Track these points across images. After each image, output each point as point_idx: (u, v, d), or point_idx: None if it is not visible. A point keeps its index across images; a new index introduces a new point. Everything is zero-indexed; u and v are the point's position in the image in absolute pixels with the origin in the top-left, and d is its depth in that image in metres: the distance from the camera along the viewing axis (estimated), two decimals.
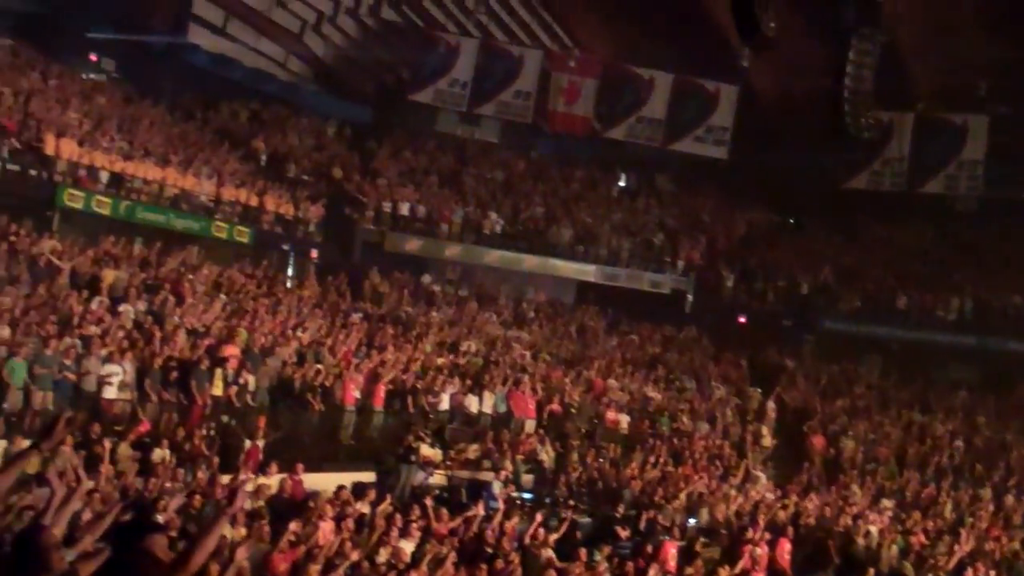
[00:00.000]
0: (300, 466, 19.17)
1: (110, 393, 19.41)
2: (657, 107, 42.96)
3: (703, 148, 43.15)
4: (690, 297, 40.85)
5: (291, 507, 17.65)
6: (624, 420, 29.02)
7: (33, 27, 34.86)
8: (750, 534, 20.08)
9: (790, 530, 21.21)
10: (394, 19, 43.30)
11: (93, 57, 37.73)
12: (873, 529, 22.01)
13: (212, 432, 19.83)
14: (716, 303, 40.05)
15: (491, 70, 43.33)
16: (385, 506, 17.81)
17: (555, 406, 27.82)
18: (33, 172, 26.48)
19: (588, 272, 40.06)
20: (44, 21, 35.27)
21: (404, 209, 38.63)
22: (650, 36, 40.66)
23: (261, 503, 16.78)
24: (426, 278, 36.83)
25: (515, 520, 18.77)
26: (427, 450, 22.92)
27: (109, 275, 23.84)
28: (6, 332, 18.84)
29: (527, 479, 24.02)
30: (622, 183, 47.00)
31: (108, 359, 19.60)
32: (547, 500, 22.90)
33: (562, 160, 46.55)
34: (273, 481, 18.32)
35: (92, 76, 36.66)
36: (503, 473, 22.63)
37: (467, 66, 43.52)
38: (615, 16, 41.11)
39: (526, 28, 44.48)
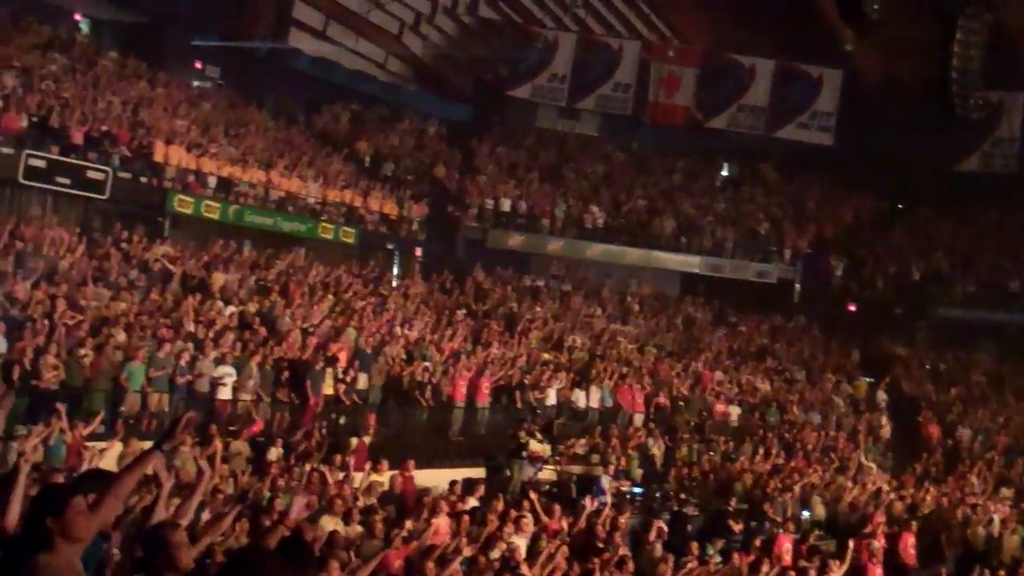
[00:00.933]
0: (411, 463, 19.26)
1: (224, 394, 19.76)
2: (759, 94, 42.36)
3: (807, 135, 42.44)
4: (798, 286, 40.14)
5: (403, 503, 17.77)
6: (734, 412, 28.66)
7: (140, 38, 35.73)
8: (868, 527, 19.63)
9: (912, 524, 20.66)
10: (492, 16, 43.36)
11: (198, 65, 38.52)
12: (996, 519, 21.37)
13: (323, 430, 20.07)
14: (825, 292, 39.29)
15: (589, 63, 43.14)
16: (497, 502, 17.80)
17: (663, 399, 27.59)
18: (144, 179, 27.08)
19: (692, 263, 39.63)
20: (150, 31, 36.12)
21: (506, 205, 38.68)
22: (749, 22, 40.00)
23: (373, 500, 16.89)
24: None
25: (626, 515, 18.61)
26: (536, 445, 22.87)
27: (219, 278, 24.29)
28: (122, 336, 19.28)
29: (636, 473, 23.83)
30: (725, 172, 46.38)
31: (221, 360, 19.95)
32: (657, 494, 22.71)
33: (663, 151, 46.14)
34: (384, 478, 18.45)
35: (198, 83, 37.43)
36: (612, 468, 22.50)
37: (565, 60, 43.40)
38: (713, 3, 40.59)
39: (624, 20, 44.16)
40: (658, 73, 43.09)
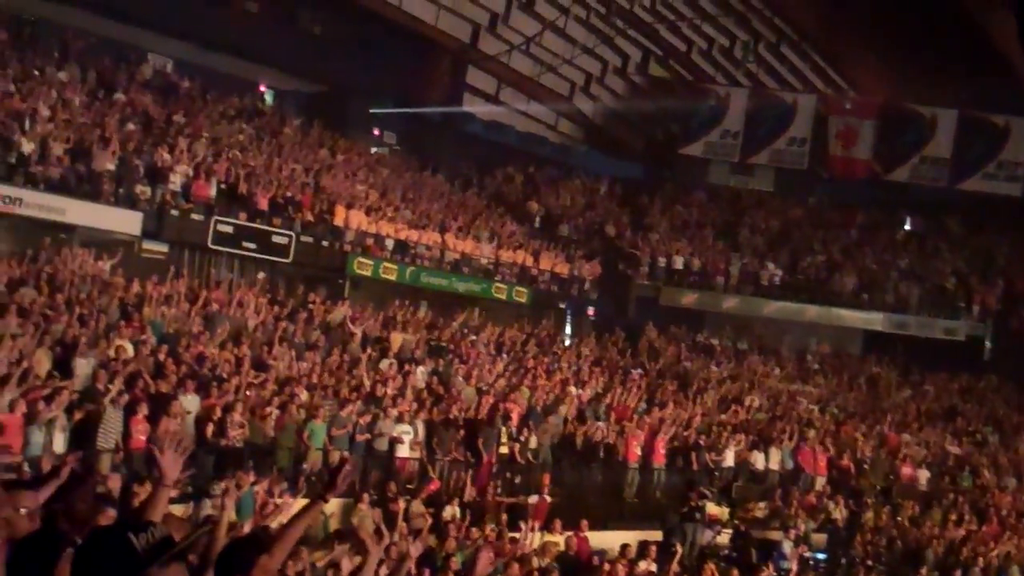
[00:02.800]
0: (585, 523, 19.08)
1: (402, 452, 20.01)
2: (941, 145, 41.07)
3: (994, 186, 40.86)
4: (988, 344, 38.34)
5: (577, 565, 17.58)
6: (922, 476, 27.43)
7: (321, 107, 37.08)
8: None
9: None
10: (662, 75, 43.35)
11: (376, 131, 39.67)
12: None
13: (498, 490, 20.09)
14: (1018, 348, 37.38)
15: (763, 118, 42.66)
16: (673, 566, 17.45)
17: (846, 462, 26.63)
18: (325, 242, 27.92)
19: (875, 321, 38.31)
20: (331, 100, 37.44)
21: (679, 263, 38.32)
22: (929, 72, 38.89)
23: (547, 560, 16.77)
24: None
25: None
26: (713, 508, 22.40)
27: (397, 338, 24.75)
28: (305, 395, 19.78)
29: (818, 538, 23.03)
30: (907, 226, 44.88)
31: (400, 419, 20.23)
32: (842, 560, 21.87)
33: (841, 205, 44.97)
34: (559, 539, 18.32)
35: (376, 149, 38.54)
36: (793, 532, 21.80)
37: (738, 116, 43.08)
38: (891, 54, 39.58)
39: (797, 73, 43.57)
40: (835, 126, 42.28)
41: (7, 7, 29.44)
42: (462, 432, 21.19)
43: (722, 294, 38.13)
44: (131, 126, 26.16)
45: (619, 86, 43.17)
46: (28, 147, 22.40)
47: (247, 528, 11.47)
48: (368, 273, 28.55)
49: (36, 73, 26.34)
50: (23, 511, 4.25)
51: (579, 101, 42.38)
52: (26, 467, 11.74)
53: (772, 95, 43.37)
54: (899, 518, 24.40)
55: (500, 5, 37.84)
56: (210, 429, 17.43)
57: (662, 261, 38.22)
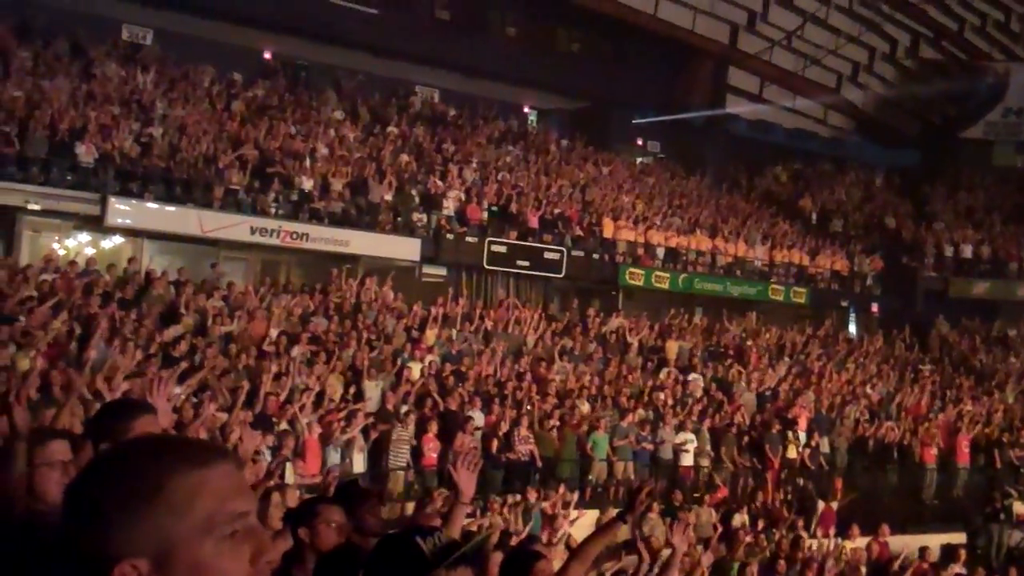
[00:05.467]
0: (885, 527, 18.34)
1: (686, 460, 19.88)
2: None
3: None
4: None
5: (879, 570, 16.91)
6: None
7: (583, 122, 37.46)
8: None
9: None
10: (934, 56, 41.30)
11: (639, 141, 39.68)
12: None
13: (789, 495, 19.62)
14: None
15: None
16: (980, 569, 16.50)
17: None
18: (596, 256, 28.13)
19: None
20: (593, 115, 37.75)
21: (967, 252, 36.28)
22: None
23: (843, 566, 16.22)
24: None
25: None
26: (1020, 507, 21.04)
27: (674, 346, 24.63)
28: (586, 407, 19.99)
29: None
30: None
31: (681, 427, 20.11)
32: None
33: None
34: (857, 544, 17.68)
35: (640, 159, 38.54)
36: None
37: (1020, 92, 40.44)
38: None
39: None
40: None
41: (282, 56, 31.36)
42: (746, 438, 20.86)
43: (1016, 281, 35.75)
44: (404, 157, 27.27)
45: (889, 72, 41.43)
46: (309, 184, 23.73)
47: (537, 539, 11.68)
48: (640, 283, 28.55)
49: (313, 114, 27.91)
50: (333, 525, 4.47)
51: (847, 92, 40.96)
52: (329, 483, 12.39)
53: None
54: None
55: (758, 3, 37.16)
56: (495, 444, 17.88)
57: (949, 251, 36.32)
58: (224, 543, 1.53)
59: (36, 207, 20.56)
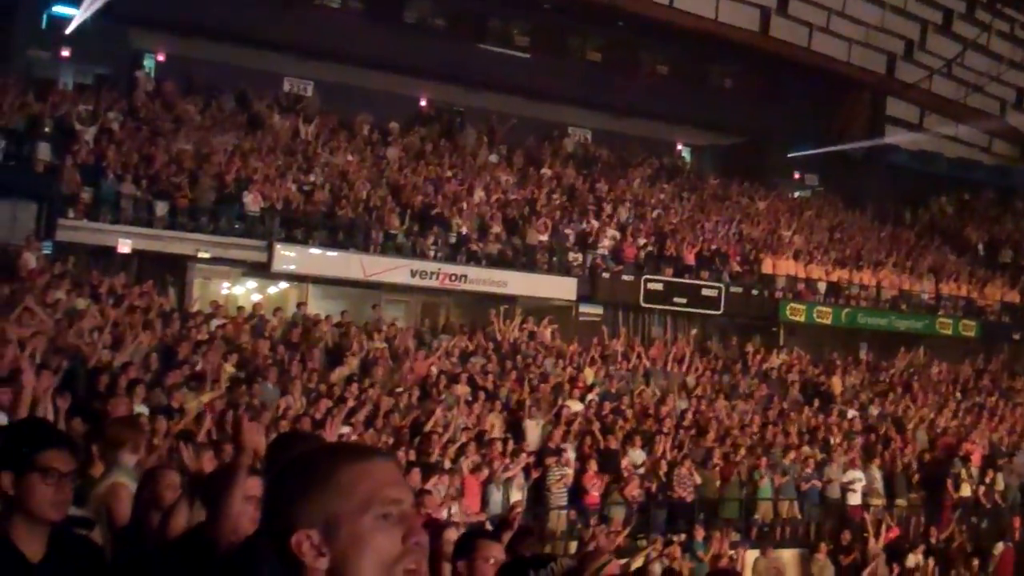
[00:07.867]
0: None
1: (853, 500, 19.33)
2: None
3: None
4: None
5: None
6: None
7: (738, 158, 37.03)
8: None
9: None
10: None
11: (797, 175, 39.04)
12: None
13: (964, 534, 18.88)
14: None
15: None
16: None
17: None
18: (755, 292, 27.71)
19: None
20: (748, 151, 37.30)
21: None
22: None
23: None
24: None
25: None
26: None
27: (838, 382, 24.07)
28: (748, 445, 19.62)
29: None
30: None
31: (849, 465, 19.59)
32: None
33: None
34: None
35: (798, 193, 37.90)
36: None
37: None
38: None
39: None
40: None
41: (437, 102, 32.02)
42: (917, 476, 20.18)
43: None
44: (558, 198, 27.44)
45: None
46: (466, 227, 24.09)
47: None
48: (802, 319, 27.97)
49: (469, 159, 28.37)
50: (491, 561, 4.50)
51: (1012, 118, 39.58)
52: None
53: None
54: None
55: (915, 32, 36.40)
56: (655, 483, 17.72)
57: None
58: (379, 522, 1.88)
59: (206, 255, 21.35)
